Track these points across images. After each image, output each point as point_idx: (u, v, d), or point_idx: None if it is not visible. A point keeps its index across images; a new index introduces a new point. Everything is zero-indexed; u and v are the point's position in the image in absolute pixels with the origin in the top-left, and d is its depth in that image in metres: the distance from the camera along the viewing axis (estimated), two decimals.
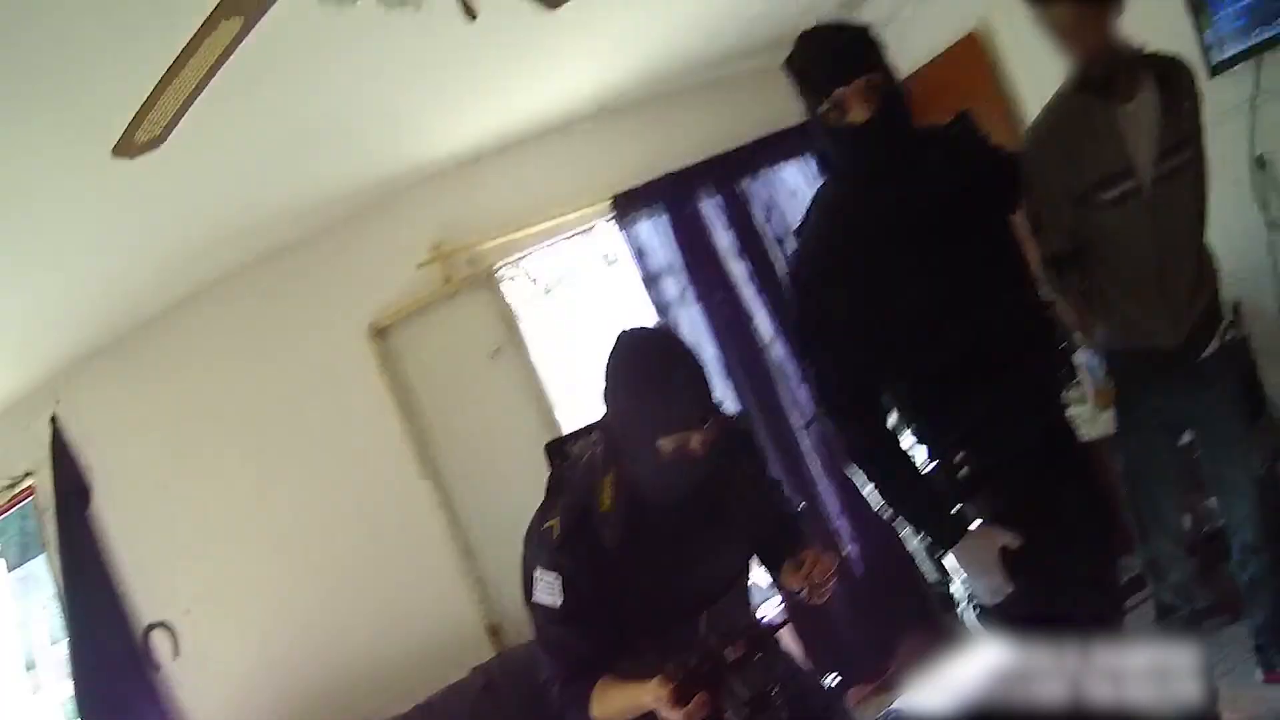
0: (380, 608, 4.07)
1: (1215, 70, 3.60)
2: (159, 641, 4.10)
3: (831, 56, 2.16)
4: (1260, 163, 3.64)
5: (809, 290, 2.29)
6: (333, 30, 1.92)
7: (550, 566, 2.07)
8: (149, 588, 4.14)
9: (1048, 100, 2.60)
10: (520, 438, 4.21)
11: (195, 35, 1.85)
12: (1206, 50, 3.61)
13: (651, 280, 4.70)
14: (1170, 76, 2.49)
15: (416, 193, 4.29)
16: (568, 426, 4.23)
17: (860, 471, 2.39)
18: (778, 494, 2.47)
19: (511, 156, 4.44)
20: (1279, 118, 3.60)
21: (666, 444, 1.98)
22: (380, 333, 4.25)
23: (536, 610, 2.12)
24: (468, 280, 4.34)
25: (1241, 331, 3.36)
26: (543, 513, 2.17)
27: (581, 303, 4.84)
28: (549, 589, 2.07)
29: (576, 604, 2.06)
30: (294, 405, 4.16)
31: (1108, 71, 2.42)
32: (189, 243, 3.62)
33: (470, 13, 2.04)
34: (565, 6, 2.34)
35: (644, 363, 2.04)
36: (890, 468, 2.32)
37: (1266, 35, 3.49)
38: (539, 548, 2.11)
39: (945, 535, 2.28)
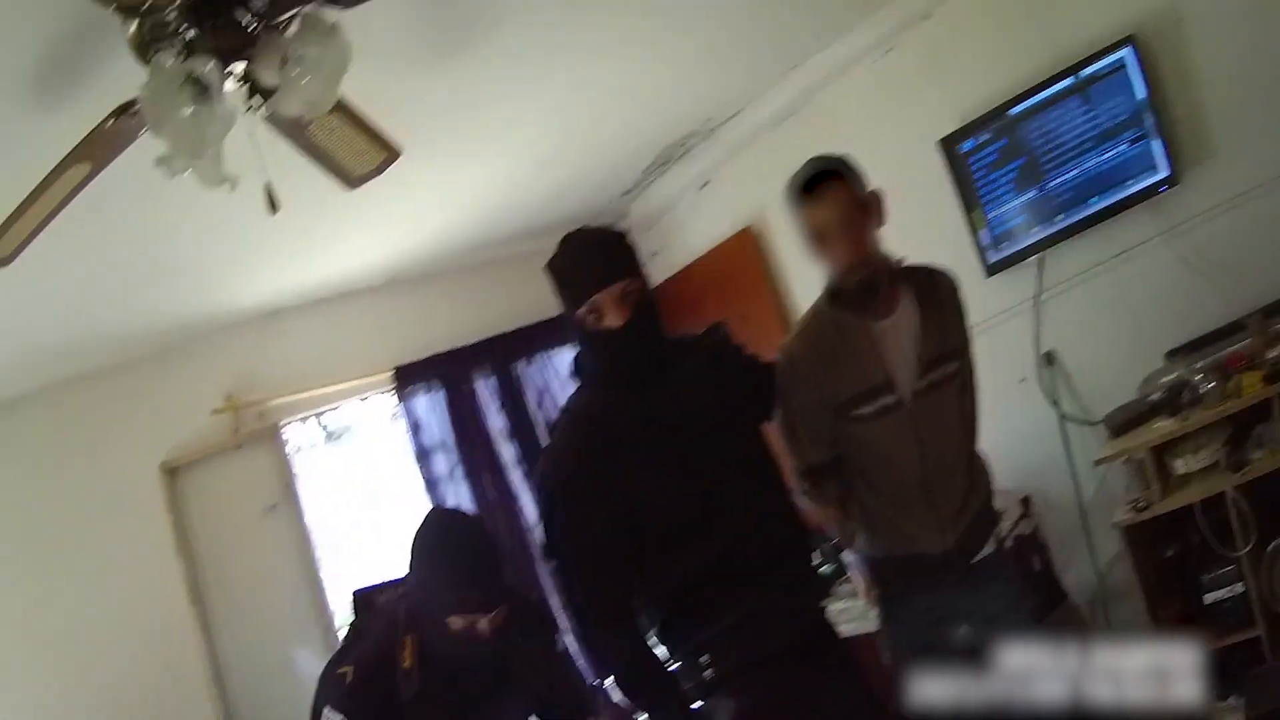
0: None
1: (993, 270, 3.71)
2: None
3: (589, 260, 2.15)
4: (1049, 358, 3.71)
5: (558, 498, 2.21)
6: (156, 180, 2.16)
7: (340, 709, 2.17)
8: None
9: (804, 314, 2.50)
10: (286, 590, 4.51)
11: (50, 174, 2.22)
12: (982, 251, 3.72)
13: (423, 455, 4.93)
14: (930, 289, 2.40)
15: (217, 340, 4.56)
16: (334, 584, 4.61)
17: (610, 676, 2.27)
18: (566, 668, 2.68)
19: (307, 316, 4.77)
20: (1062, 313, 3.68)
21: (457, 621, 2.17)
22: (171, 471, 4.43)
23: None
24: (255, 433, 4.63)
25: (1029, 526, 3.50)
26: (339, 656, 2.31)
27: (364, 462, 5.13)
28: None
29: None
30: (80, 527, 4.21)
31: (864, 284, 2.30)
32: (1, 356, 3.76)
33: (273, 207, 2.29)
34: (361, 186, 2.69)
35: (444, 546, 2.23)
36: (640, 673, 2.20)
37: (1045, 234, 3.59)
38: (332, 689, 2.23)
39: None
